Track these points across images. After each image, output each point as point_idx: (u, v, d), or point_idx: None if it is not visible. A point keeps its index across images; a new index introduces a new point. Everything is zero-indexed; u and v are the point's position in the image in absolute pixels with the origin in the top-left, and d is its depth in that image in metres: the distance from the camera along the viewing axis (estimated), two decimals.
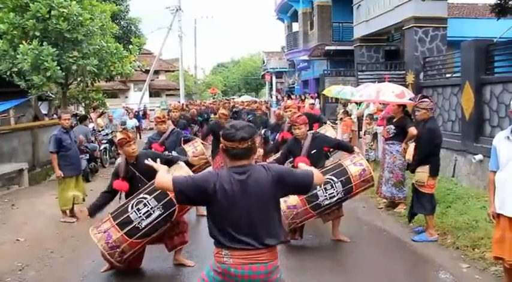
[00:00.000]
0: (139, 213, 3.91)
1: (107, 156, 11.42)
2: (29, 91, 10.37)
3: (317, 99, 16.39)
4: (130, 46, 11.96)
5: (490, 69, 7.28)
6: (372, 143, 8.88)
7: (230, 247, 2.28)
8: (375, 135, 8.91)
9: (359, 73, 12.46)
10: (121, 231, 3.91)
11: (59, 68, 9.11)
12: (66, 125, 6.55)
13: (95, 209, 4.27)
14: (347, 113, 10.50)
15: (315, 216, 4.73)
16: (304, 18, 22.05)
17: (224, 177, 2.30)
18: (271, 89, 35.86)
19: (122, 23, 17.81)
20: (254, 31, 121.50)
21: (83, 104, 14.37)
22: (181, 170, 4.07)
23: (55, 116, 12.95)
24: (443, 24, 11.15)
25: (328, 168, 4.79)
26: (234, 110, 15.70)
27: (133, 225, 3.91)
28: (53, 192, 7.24)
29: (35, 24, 9.06)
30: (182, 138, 6.49)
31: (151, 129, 19.53)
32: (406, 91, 7.02)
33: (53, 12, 8.99)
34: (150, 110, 25.66)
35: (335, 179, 4.60)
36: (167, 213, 3.96)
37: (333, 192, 4.58)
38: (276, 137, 6.90)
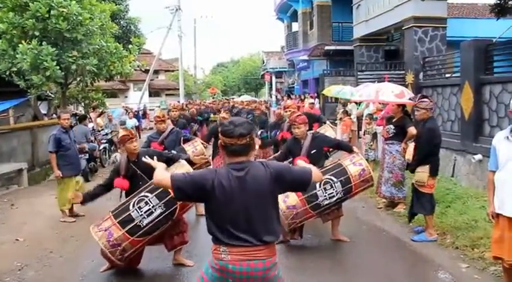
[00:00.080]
0: (141, 211, 3.92)
1: (107, 156, 11.42)
2: (29, 91, 10.36)
3: (317, 99, 16.39)
4: (130, 46, 11.95)
5: (490, 69, 7.28)
6: (372, 143, 8.89)
7: (228, 244, 2.28)
8: (374, 135, 8.91)
9: (359, 73, 12.46)
10: (122, 229, 3.91)
11: (58, 67, 9.11)
12: (65, 125, 6.55)
13: (88, 198, 4.36)
14: (346, 113, 10.50)
15: (315, 216, 4.73)
16: (304, 18, 22.05)
17: (222, 174, 2.30)
18: (270, 88, 35.87)
19: (121, 22, 17.83)
20: (254, 31, 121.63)
21: (83, 104, 14.34)
22: (183, 168, 4.07)
23: (54, 115, 12.93)
24: (443, 24, 11.15)
25: (327, 168, 4.79)
26: (233, 111, 15.69)
27: (134, 223, 3.92)
28: (52, 192, 7.23)
29: (35, 24, 9.05)
30: (182, 138, 6.49)
31: (151, 128, 19.54)
32: (406, 91, 7.02)
33: (52, 12, 8.99)
34: (150, 109, 25.67)
35: (334, 179, 4.60)
36: (169, 211, 3.97)
37: (333, 192, 4.58)
38: (277, 134, 6.91)
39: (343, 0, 17.47)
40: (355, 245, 5.00)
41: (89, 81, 11.11)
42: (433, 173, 5.02)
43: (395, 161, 6.27)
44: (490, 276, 4.09)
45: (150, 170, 3.63)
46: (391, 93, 6.79)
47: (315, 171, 2.51)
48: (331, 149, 6.04)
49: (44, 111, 14.35)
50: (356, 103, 11.22)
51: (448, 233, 5.16)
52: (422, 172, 5.02)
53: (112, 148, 11.81)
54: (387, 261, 4.59)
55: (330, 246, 5.05)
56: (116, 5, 14.60)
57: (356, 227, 5.70)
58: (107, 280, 4.29)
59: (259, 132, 8.33)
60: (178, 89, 31.67)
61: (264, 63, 36.66)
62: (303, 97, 18.85)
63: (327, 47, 18.83)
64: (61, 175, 6.34)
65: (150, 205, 3.93)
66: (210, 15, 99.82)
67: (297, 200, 4.53)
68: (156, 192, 3.91)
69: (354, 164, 4.75)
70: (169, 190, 2.49)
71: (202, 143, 6.68)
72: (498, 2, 9.86)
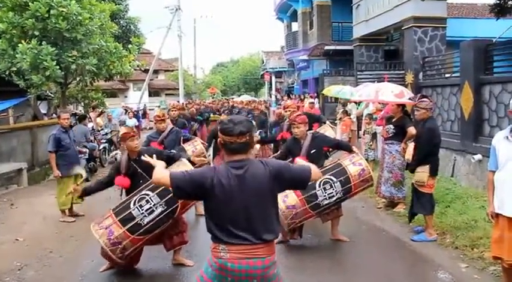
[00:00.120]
0: (142, 209, 3.92)
1: (106, 155, 11.41)
2: (28, 90, 10.36)
3: (316, 99, 16.39)
4: (130, 45, 11.94)
5: (489, 69, 7.28)
6: (371, 143, 8.88)
7: (227, 242, 2.28)
8: (374, 135, 8.91)
9: (358, 73, 12.45)
10: (123, 227, 3.92)
11: (58, 67, 9.11)
12: (65, 125, 6.55)
13: (86, 192, 4.48)
14: (346, 113, 10.50)
15: (314, 216, 4.73)
16: (304, 18, 22.04)
17: (222, 172, 2.30)
18: (270, 88, 35.86)
19: (121, 22, 17.83)
20: (253, 31, 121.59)
21: (82, 104, 14.32)
22: (184, 167, 4.07)
23: (54, 115, 12.93)
24: (443, 24, 11.16)
25: (327, 167, 4.79)
26: (233, 110, 15.68)
27: (135, 221, 3.92)
28: (52, 192, 7.23)
29: (34, 24, 9.05)
30: (181, 137, 6.49)
31: (151, 128, 19.50)
32: (406, 91, 7.02)
33: (52, 12, 8.99)
34: (150, 109, 25.63)
35: (334, 179, 4.60)
36: (170, 210, 3.97)
37: (332, 192, 4.58)
38: (277, 132, 6.92)
39: (343, 0, 17.47)
40: (355, 245, 5.00)
41: (89, 81, 11.10)
42: (433, 173, 5.02)
43: (395, 161, 6.27)
44: (490, 276, 4.09)
45: (150, 169, 3.63)
46: (390, 93, 6.79)
47: (314, 169, 2.52)
48: (330, 149, 6.04)
49: (43, 111, 14.34)
50: (356, 103, 11.22)
51: (447, 233, 5.16)
52: (422, 172, 5.02)
53: (112, 148, 11.80)
54: (387, 261, 4.59)
55: (330, 246, 5.05)
56: (116, 4, 14.61)
57: (356, 226, 5.70)
58: (106, 280, 4.28)
59: (257, 132, 8.32)
60: (178, 88, 31.63)
61: (263, 63, 36.66)
62: (302, 97, 18.85)
63: (326, 47, 18.82)
64: (60, 175, 6.34)
65: (151, 203, 3.93)
66: (210, 15, 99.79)
67: (297, 199, 4.53)
68: (157, 191, 3.91)
69: (354, 164, 4.75)
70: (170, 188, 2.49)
71: (202, 143, 6.69)
72: (498, 2, 9.87)
